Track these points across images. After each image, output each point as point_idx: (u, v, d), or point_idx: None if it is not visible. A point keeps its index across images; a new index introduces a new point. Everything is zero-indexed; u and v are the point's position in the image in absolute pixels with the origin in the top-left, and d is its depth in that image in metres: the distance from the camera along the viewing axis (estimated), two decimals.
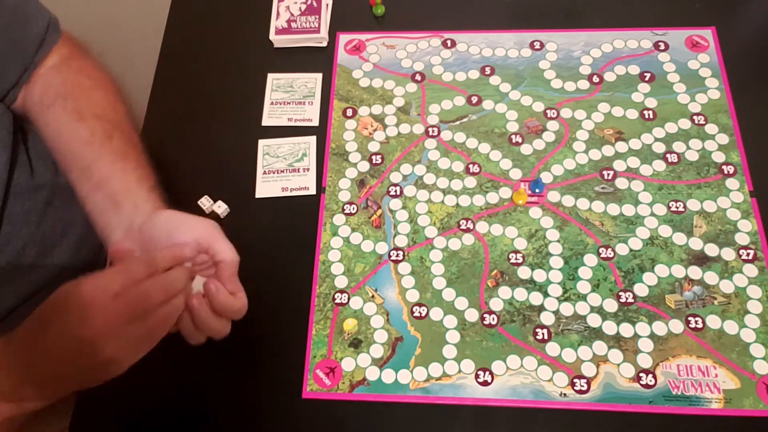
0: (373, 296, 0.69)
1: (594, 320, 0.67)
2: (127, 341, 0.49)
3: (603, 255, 0.70)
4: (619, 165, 0.75)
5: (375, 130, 0.79)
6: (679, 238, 0.70)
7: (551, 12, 0.86)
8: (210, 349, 0.68)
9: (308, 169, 0.77)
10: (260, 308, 0.65)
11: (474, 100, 0.80)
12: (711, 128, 0.76)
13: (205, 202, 0.75)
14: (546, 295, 0.68)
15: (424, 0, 0.89)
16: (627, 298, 0.67)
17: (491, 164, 0.76)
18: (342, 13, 0.88)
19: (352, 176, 0.77)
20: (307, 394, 0.65)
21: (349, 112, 0.81)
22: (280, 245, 0.73)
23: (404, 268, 0.71)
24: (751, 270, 0.68)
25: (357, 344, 0.67)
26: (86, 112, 0.66)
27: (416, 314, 0.68)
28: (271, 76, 0.84)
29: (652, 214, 0.72)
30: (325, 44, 0.86)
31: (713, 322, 0.66)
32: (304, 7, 0.87)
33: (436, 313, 0.68)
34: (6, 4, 0.65)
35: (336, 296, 0.70)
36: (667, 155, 0.75)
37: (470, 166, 0.76)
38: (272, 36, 0.86)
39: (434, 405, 0.64)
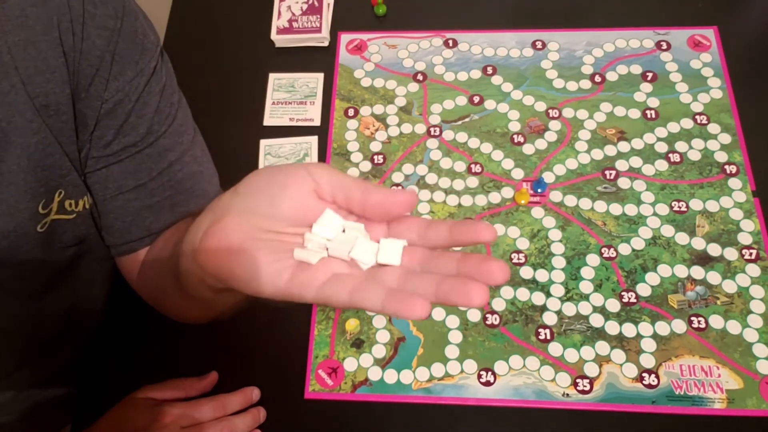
0: None
1: (596, 320, 0.66)
2: None
3: (605, 255, 0.70)
4: (621, 165, 0.75)
5: (377, 130, 0.79)
6: (682, 238, 0.70)
7: (553, 11, 0.86)
8: (212, 349, 0.68)
9: None
10: (262, 308, 0.65)
11: (476, 99, 0.80)
12: (713, 128, 0.76)
13: None
14: (548, 295, 0.68)
15: (425, 0, 0.89)
16: (630, 298, 0.67)
17: (493, 164, 0.76)
18: (343, 13, 0.88)
19: (353, 176, 0.76)
20: (309, 395, 0.65)
21: (351, 112, 0.81)
22: None
23: None
24: (753, 270, 0.68)
25: (359, 344, 0.67)
26: None
27: None
28: (272, 76, 0.84)
29: (655, 214, 0.71)
30: (326, 44, 0.86)
31: (716, 322, 0.66)
32: (305, 6, 0.87)
33: (438, 313, 0.68)
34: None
35: None
36: (670, 155, 0.75)
37: (472, 166, 0.76)
38: (273, 36, 0.86)
39: (437, 405, 0.64)
